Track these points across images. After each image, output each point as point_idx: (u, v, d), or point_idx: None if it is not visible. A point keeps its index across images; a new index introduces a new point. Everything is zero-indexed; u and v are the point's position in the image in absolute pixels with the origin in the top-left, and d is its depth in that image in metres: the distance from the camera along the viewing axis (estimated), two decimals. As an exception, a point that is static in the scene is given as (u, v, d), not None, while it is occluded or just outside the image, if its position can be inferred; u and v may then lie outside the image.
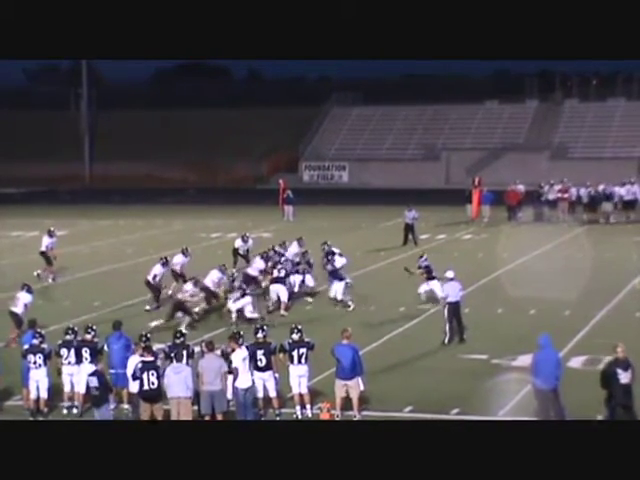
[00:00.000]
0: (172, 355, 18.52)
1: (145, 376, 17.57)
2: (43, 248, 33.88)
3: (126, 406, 19.04)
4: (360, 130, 77.54)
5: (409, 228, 40.51)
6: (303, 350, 18.92)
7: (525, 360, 20.72)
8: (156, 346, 19.19)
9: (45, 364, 19.20)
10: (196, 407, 18.07)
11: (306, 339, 19.15)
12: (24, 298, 24.76)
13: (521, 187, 49.19)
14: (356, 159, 73.96)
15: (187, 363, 18.29)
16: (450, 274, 24.85)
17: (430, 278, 27.52)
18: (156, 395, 17.64)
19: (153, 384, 17.56)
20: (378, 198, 60.17)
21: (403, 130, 76.73)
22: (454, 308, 24.10)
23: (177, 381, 17.50)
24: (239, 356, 18.32)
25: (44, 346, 19.31)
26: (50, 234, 34.11)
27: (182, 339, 19.11)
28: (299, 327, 19.24)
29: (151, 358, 17.92)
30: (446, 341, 23.96)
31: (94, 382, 17.74)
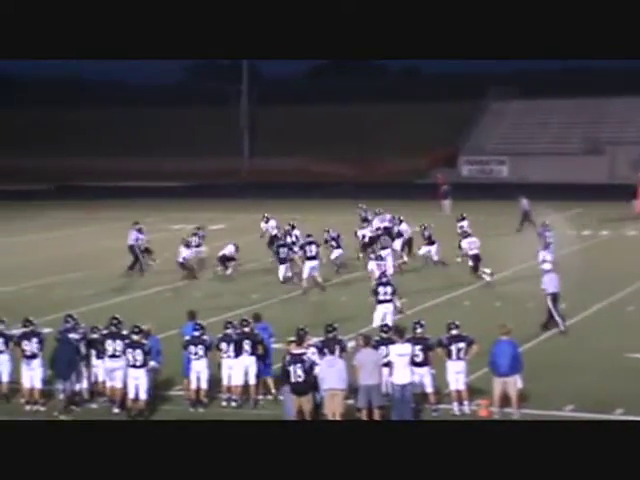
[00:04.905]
0: (325, 349, 18.46)
1: (292, 369, 17.64)
2: None
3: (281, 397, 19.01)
4: (520, 124, 76.44)
5: (525, 215, 41.79)
6: (462, 345, 18.64)
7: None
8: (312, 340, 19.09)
9: (206, 355, 19.45)
10: (352, 401, 18.04)
11: (464, 333, 18.87)
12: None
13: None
14: (516, 153, 72.91)
15: (340, 357, 18.21)
16: (547, 266, 25.43)
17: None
18: (303, 388, 17.66)
19: (300, 377, 17.60)
20: (538, 193, 58.96)
21: (564, 124, 75.27)
22: (555, 298, 24.46)
23: (332, 373, 17.49)
24: (396, 351, 18.16)
25: (205, 338, 19.57)
26: None
27: (334, 333, 19.00)
28: (456, 322, 18.96)
29: (299, 351, 17.95)
30: (563, 328, 24.25)
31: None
